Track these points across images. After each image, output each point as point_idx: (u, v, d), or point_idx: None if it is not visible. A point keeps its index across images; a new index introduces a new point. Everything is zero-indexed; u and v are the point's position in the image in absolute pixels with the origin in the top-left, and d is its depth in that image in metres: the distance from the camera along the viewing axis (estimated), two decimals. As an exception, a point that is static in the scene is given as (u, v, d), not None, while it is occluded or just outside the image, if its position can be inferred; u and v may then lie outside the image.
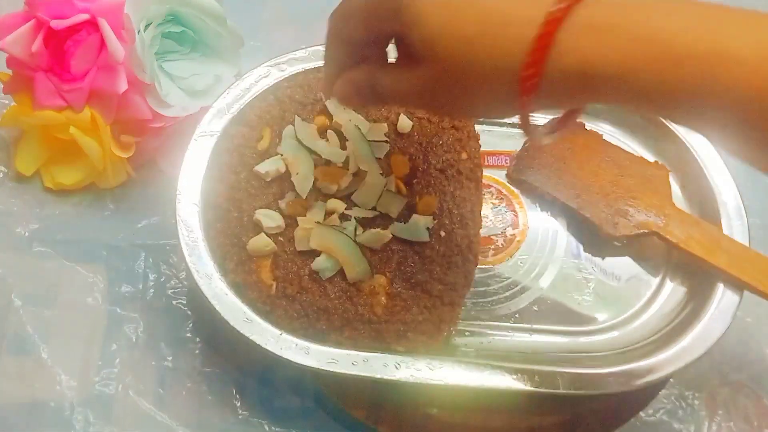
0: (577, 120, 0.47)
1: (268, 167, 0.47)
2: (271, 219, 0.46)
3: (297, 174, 0.47)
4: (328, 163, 0.47)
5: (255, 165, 0.47)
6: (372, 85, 0.37)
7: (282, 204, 0.47)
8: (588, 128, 0.54)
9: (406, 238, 0.46)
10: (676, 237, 0.48)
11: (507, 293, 0.51)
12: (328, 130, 0.48)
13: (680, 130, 0.52)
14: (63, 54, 0.50)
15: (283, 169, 0.47)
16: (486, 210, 0.52)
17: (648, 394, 0.49)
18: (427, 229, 0.46)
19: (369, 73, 0.37)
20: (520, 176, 0.52)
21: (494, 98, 0.33)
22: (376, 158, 0.48)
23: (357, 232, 0.46)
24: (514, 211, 0.53)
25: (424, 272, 0.46)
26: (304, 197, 0.46)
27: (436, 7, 0.32)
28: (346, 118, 0.48)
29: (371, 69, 0.37)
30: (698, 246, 0.48)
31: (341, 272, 0.45)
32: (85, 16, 0.49)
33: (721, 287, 0.47)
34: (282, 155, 0.47)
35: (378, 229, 0.46)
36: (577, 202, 0.50)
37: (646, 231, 0.49)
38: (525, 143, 0.53)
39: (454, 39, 0.32)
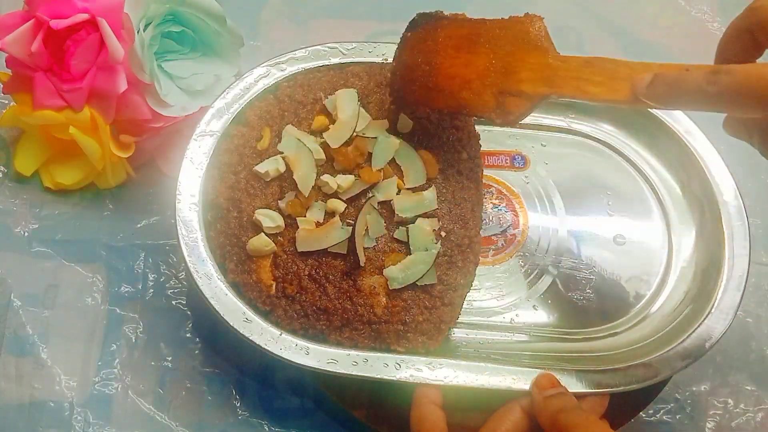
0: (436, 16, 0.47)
1: (267, 167, 0.47)
2: (270, 219, 0.46)
3: (299, 172, 0.47)
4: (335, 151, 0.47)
5: (255, 165, 0.47)
6: None
7: (282, 204, 0.47)
8: (447, 14, 0.47)
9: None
10: (570, 89, 0.42)
11: (507, 293, 0.51)
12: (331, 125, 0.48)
13: (680, 130, 0.52)
14: (62, 54, 0.50)
15: (282, 169, 0.47)
16: (486, 210, 0.52)
17: (648, 394, 0.49)
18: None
19: None
20: (397, 103, 0.48)
21: None
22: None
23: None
24: (514, 211, 0.53)
25: (424, 272, 0.46)
26: (306, 195, 0.46)
27: None
28: (348, 115, 0.48)
29: None
30: (596, 87, 0.41)
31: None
32: (84, 16, 0.49)
33: (721, 287, 0.47)
34: (283, 153, 0.47)
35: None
36: (459, 102, 0.45)
37: (538, 100, 0.43)
38: (393, 67, 0.48)
39: None
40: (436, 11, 0.47)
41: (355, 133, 0.47)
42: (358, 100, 0.49)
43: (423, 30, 0.47)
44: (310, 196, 0.46)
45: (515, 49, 0.44)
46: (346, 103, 0.48)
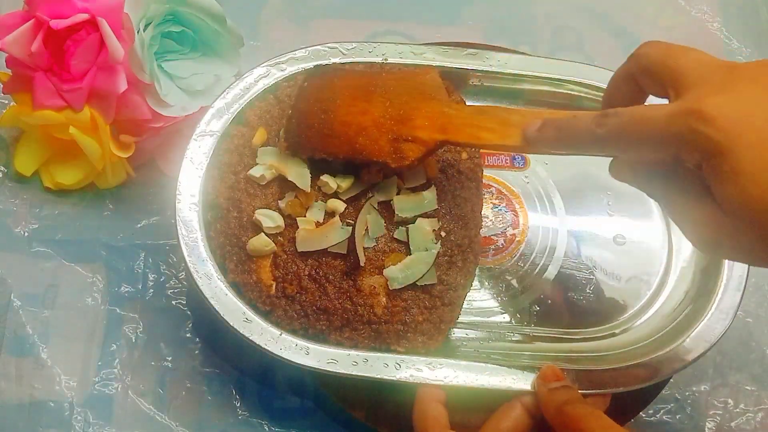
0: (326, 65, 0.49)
1: (261, 171, 0.47)
2: (270, 219, 0.46)
3: (291, 173, 0.47)
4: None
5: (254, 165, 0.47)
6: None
7: (282, 204, 0.47)
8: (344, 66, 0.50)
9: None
10: (464, 136, 0.43)
11: (507, 293, 0.51)
12: None
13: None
14: (62, 54, 0.50)
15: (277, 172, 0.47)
16: (486, 210, 0.52)
17: (648, 394, 0.49)
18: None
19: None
20: (292, 149, 0.47)
21: None
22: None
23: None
24: (514, 211, 0.53)
25: (424, 272, 0.46)
26: (308, 191, 0.46)
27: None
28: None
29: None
30: (488, 134, 0.43)
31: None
32: (84, 16, 0.49)
33: (721, 287, 0.47)
34: (267, 164, 0.47)
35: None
36: (354, 147, 0.45)
37: (433, 146, 0.44)
38: (289, 114, 0.48)
39: None
40: (333, 63, 0.49)
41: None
42: None
43: (320, 79, 0.48)
44: (309, 196, 0.46)
45: (411, 99, 0.46)
46: None
